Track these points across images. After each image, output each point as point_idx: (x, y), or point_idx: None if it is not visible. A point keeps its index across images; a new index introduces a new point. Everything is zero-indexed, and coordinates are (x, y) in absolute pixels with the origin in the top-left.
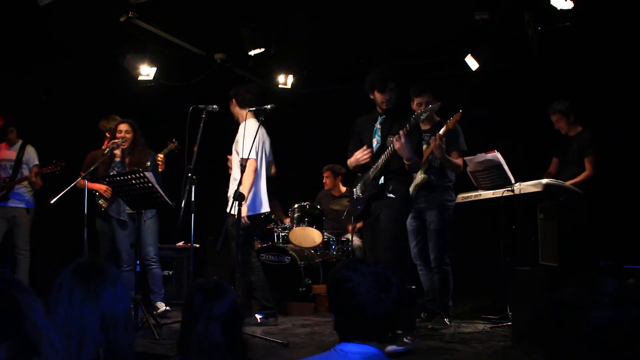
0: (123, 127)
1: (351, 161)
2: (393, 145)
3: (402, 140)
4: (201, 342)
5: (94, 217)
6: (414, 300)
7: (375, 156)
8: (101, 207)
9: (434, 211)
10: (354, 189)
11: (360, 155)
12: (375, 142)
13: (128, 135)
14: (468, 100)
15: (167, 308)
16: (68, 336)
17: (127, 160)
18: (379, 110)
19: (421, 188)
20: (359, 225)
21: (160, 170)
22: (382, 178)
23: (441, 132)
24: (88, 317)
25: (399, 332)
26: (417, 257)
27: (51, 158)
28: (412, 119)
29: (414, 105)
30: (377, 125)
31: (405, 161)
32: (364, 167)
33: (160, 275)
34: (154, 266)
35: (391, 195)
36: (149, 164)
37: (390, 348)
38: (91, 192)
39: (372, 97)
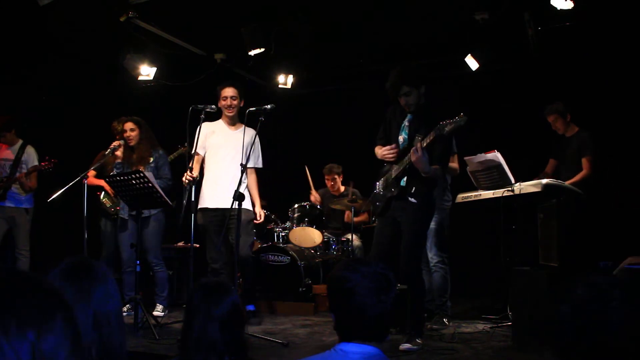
0: (127, 125)
1: (377, 153)
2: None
3: (419, 153)
4: (199, 339)
5: (95, 217)
6: (423, 303)
7: (400, 154)
8: (104, 205)
9: None
10: (377, 183)
11: (386, 153)
12: (401, 140)
13: (133, 133)
14: (468, 100)
15: (162, 314)
16: None
17: (134, 157)
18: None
19: None
20: (357, 219)
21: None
22: (405, 179)
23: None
24: (80, 317)
25: (413, 332)
26: None
27: (51, 158)
28: (433, 131)
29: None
30: (406, 123)
31: (422, 174)
32: (389, 160)
33: (162, 278)
34: (156, 269)
35: (413, 200)
36: (152, 160)
37: (404, 346)
38: (92, 191)
39: None
